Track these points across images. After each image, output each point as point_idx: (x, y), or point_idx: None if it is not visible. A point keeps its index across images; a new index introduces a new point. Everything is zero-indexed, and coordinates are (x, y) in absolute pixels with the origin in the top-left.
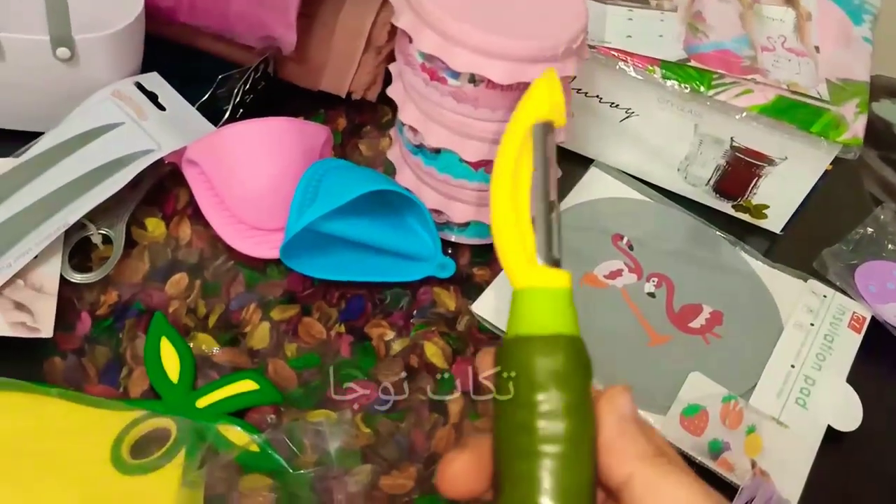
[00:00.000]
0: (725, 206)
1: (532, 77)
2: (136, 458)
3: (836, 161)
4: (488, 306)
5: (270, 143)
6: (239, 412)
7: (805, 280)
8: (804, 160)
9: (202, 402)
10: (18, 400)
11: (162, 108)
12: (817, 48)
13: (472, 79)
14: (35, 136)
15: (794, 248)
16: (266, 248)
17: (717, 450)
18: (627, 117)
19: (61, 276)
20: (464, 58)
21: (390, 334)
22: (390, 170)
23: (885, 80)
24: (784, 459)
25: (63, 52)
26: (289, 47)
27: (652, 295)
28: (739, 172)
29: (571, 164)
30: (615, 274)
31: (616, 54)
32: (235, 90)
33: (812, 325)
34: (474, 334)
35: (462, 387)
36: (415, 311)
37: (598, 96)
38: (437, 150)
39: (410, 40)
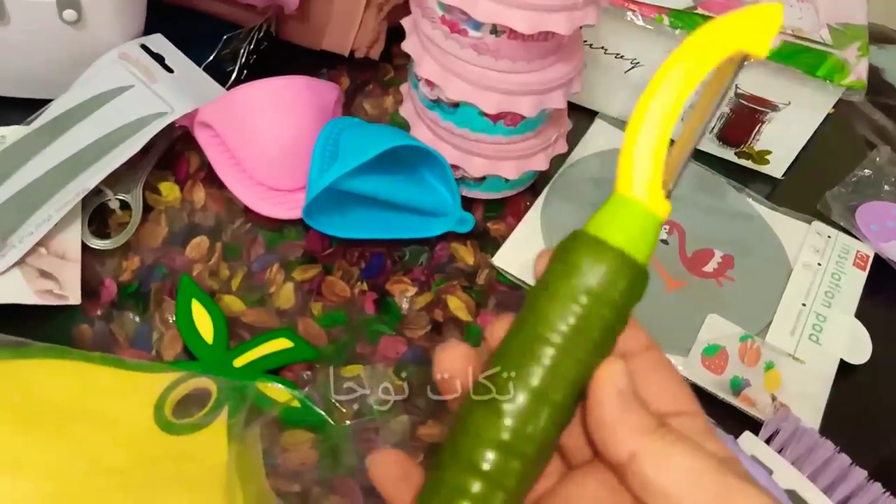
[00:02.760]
0: (728, 154)
1: (554, 26)
2: (178, 418)
3: (837, 105)
4: (508, 258)
5: (285, 102)
6: (274, 371)
7: (809, 222)
8: (807, 104)
9: (239, 362)
10: (63, 365)
11: (170, 70)
12: None
13: (494, 29)
14: (43, 103)
15: (795, 192)
16: (285, 208)
17: (738, 387)
18: (633, 68)
19: (82, 243)
20: (486, 7)
21: (412, 290)
22: (403, 126)
23: (872, 26)
24: (802, 392)
25: (70, 14)
26: (292, 6)
27: (665, 242)
28: (743, 119)
29: (575, 117)
30: None
31: (624, 4)
32: (241, 51)
33: (819, 264)
34: (495, 287)
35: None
36: (435, 267)
37: (603, 47)
38: (456, 105)
39: None
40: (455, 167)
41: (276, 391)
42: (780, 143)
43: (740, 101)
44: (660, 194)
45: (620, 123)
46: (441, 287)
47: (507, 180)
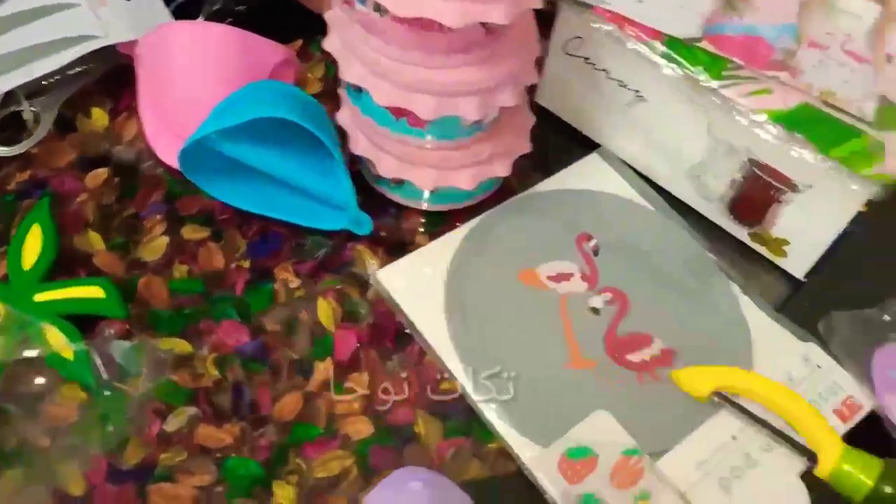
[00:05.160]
0: (743, 234)
1: (437, 14)
2: None
3: (874, 203)
4: (396, 277)
5: (209, 51)
6: (93, 319)
7: (804, 341)
8: (831, 193)
9: (41, 297)
10: None
11: None
12: (890, 57)
13: (378, 7)
14: None
15: (816, 302)
16: None
17: None
18: (637, 101)
19: None
20: None
21: (294, 282)
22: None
23: None
24: None
25: None
26: None
27: (596, 311)
28: (757, 193)
29: (573, 143)
30: (562, 277)
31: (621, 22)
32: None
33: None
34: (378, 306)
35: (337, 355)
36: (333, 265)
37: (605, 70)
38: (359, 88)
39: None
40: (370, 161)
41: (55, 336)
42: (802, 234)
43: (754, 168)
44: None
45: (619, 164)
46: (323, 287)
47: (433, 192)
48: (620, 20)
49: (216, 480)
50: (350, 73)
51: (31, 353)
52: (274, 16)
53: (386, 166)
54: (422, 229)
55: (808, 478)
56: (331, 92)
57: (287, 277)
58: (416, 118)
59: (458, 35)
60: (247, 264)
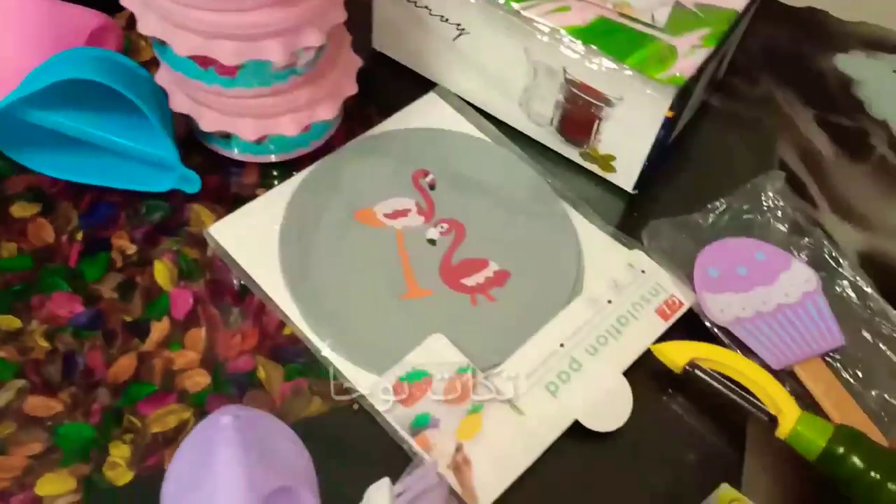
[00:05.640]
0: (575, 155)
1: None
2: None
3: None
4: (229, 231)
5: (8, 19)
6: None
7: (630, 249)
8: (639, 102)
9: None
10: None
11: None
12: None
13: None
14: None
15: (644, 213)
16: None
17: (421, 424)
18: (460, 35)
19: None
20: None
21: (131, 248)
22: None
23: (869, 28)
24: (499, 451)
25: None
26: None
27: (433, 242)
28: (579, 113)
29: (413, 84)
30: (399, 214)
31: None
32: None
33: (610, 301)
34: (217, 263)
35: (174, 314)
36: (169, 227)
37: (426, 7)
38: (163, 42)
39: None
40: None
41: None
42: (624, 147)
43: (572, 89)
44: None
45: (457, 101)
46: (160, 249)
47: (258, 143)
48: None
49: (49, 448)
50: (147, 26)
51: None
52: None
53: (207, 120)
54: (264, 183)
55: (635, 371)
56: None
57: (123, 244)
58: (222, 66)
59: None
60: (80, 236)
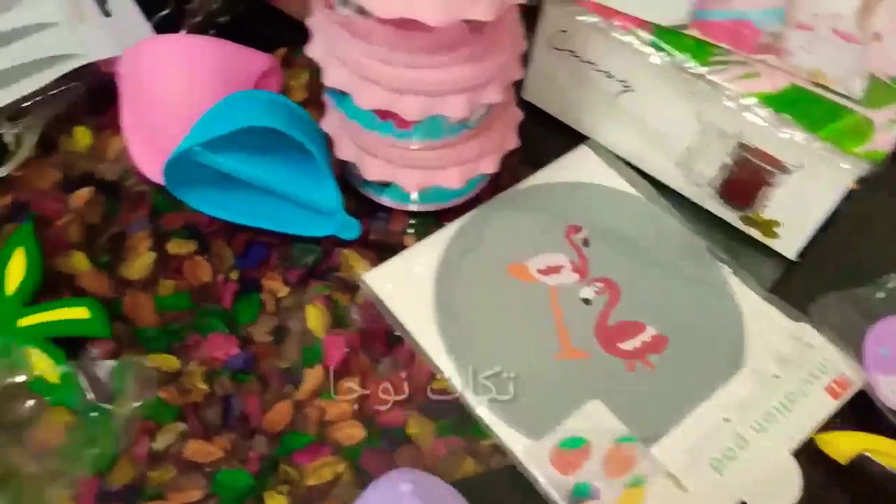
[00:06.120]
0: (733, 218)
1: (420, 13)
2: None
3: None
4: (384, 279)
5: (190, 63)
6: (81, 340)
7: (797, 321)
8: (822, 172)
9: (24, 322)
10: None
11: (108, 14)
12: (878, 36)
13: (360, 10)
14: None
15: (808, 282)
16: None
17: (581, 495)
18: (624, 92)
19: None
20: None
21: (284, 290)
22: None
23: None
24: None
25: None
26: None
27: (587, 301)
28: (747, 177)
29: (562, 137)
30: (552, 270)
31: (607, 13)
32: (200, 8)
33: (777, 376)
34: (368, 310)
35: (327, 362)
36: (321, 272)
37: (591, 62)
38: (343, 93)
39: None
40: (356, 166)
41: (41, 360)
42: (792, 215)
43: (744, 153)
44: None
45: (609, 156)
46: (311, 294)
47: (419, 193)
48: (606, 11)
49: (207, 495)
50: (333, 77)
51: (15, 379)
52: (256, 25)
53: (372, 170)
54: (410, 231)
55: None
56: (316, 99)
57: (275, 287)
58: (401, 120)
59: (442, 33)
60: (235, 276)
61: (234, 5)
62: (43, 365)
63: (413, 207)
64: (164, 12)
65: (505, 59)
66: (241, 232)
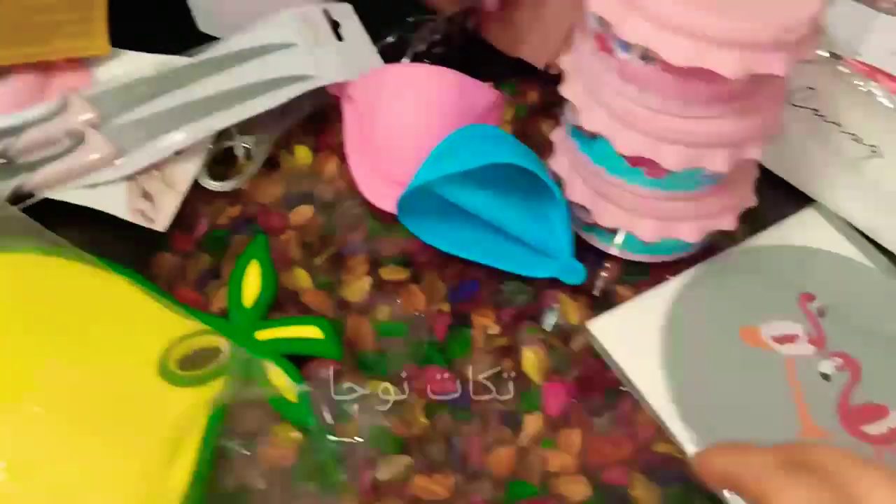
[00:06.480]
0: None
1: (717, 64)
2: (181, 368)
3: None
4: (610, 329)
5: (425, 92)
6: (302, 358)
7: None
8: None
9: (262, 335)
10: (97, 275)
11: (340, 38)
12: None
13: (646, 55)
14: (211, 39)
15: None
16: (391, 201)
17: None
18: (870, 157)
19: (196, 181)
20: (635, 26)
21: (494, 328)
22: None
23: None
24: None
25: None
26: (490, 4)
27: (826, 377)
28: None
29: (783, 195)
30: (787, 339)
31: (869, 72)
32: (424, 37)
33: None
34: (585, 358)
35: (547, 409)
36: (531, 312)
37: (836, 123)
38: (594, 136)
39: None
40: (585, 209)
41: (279, 376)
42: None
43: None
44: None
45: (838, 221)
46: (525, 336)
47: (644, 243)
48: (871, 71)
49: None
50: (592, 120)
51: (253, 393)
52: (468, 58)
53: (607, 216)
54: (623, 279)
55: None
56: (519, 134)
57: (486, 323)
58: (655, 168)
59: (726, 85)
60: (447, 308)
61: (452, 37)
62: (281, 381)
63: (634, 257)
64: (388, 39)
65: (770, 115)
66: (452, 264)
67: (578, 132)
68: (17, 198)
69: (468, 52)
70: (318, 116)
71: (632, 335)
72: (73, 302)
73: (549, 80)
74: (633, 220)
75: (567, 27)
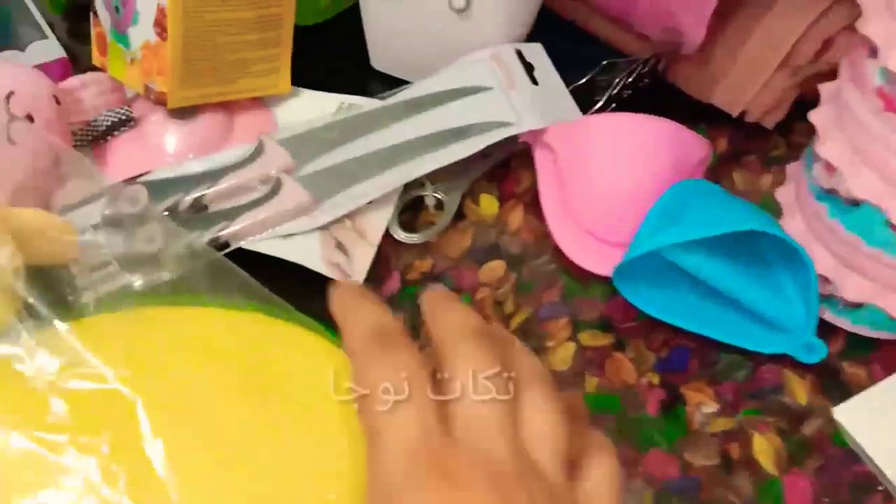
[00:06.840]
0: None
1: None
2: None
3: None
4: (859, 417)
5: (638, 144)
6: None
7: None
8: None
9: None
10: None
11: (535, 82)
12: None
13: None
14: (402, 82)
15: None
16: (598, 260)
17: None
18: None
19: (386, 230)
20: None
21: (712, 406)
22: (772, 212)
23: None
24: None
25: (459, 1)
26: (692, 45)
27: None
28: None
29: None
30: None
31: None
32: (616, 80)
33: None
34: (824, 445)
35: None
36: (752, 390)
37: None
38: (856, 203)
39: (873, 54)
40: (824, 280)
41: None
42: None
43: None
44: None
45: None
46: (750, 417)
47: (891, 318)
48: None
49: None
50: (860, 186)
51: None
52: (654, 102)
53: (853, 288)
54: (846, 354)
55: None
56: None
57: (702, 400)
58: None
59: None
60: (656, 381)
61: (640, 80)
62: None
63: (873, 333)
64: (579, 82)
65: None
66: (658, 330)
67: (829, 196)
68: (214, 248)
69: (655, 95)
70: (501, 163)
71: (889, 423)
72: (301, 378)
73: (740, 127)
74: (886, 295)
75: (766, 71)
